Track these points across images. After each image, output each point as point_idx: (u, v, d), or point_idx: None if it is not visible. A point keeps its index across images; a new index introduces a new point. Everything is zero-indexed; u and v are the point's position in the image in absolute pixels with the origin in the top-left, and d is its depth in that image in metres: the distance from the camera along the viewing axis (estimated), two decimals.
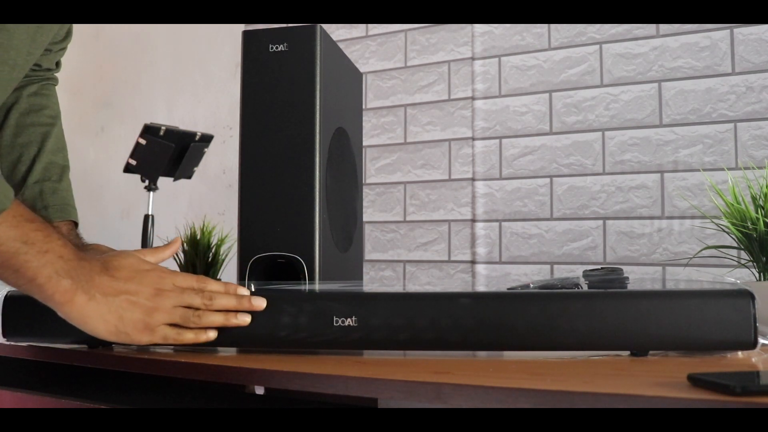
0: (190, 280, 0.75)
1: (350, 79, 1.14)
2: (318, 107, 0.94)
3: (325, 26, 0.97)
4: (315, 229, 0.92)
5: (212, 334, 0.74)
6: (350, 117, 1.13)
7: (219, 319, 0.74)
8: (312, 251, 0.91)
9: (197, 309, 0.74)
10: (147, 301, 0.71)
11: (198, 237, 1.52)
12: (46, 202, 1.02)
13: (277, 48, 0.95)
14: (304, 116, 0.94)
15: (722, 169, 1.46)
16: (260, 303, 0.75)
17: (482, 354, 0.78)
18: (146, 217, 1.66)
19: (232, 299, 0.75)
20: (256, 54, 0.96)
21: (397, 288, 1.83)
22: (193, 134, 1.66)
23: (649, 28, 1.57)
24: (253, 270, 0.92)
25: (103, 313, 0.70)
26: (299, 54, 0.94)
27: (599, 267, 0.92)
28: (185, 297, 0.73)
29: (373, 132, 1.90)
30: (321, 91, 0.94)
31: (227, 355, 0.79)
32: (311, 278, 0.91)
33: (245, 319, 0.75)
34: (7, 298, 0.82)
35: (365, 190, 1.90)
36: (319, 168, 0.93)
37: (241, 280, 0.93)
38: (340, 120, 1.05)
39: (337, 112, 1.03)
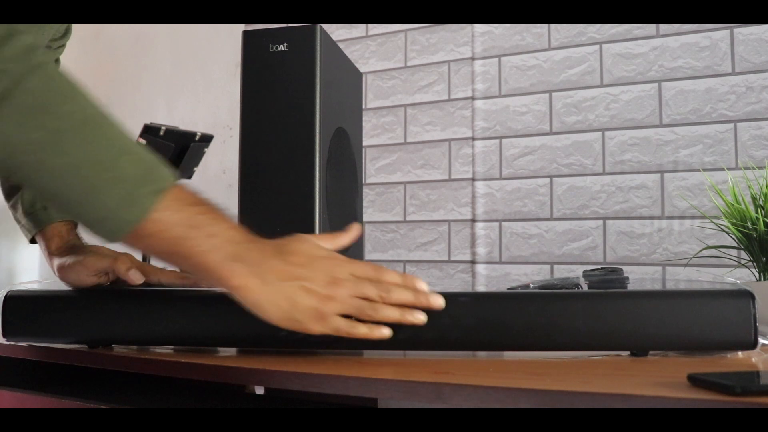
0: (368, 270, 0.71)
1: (350, 79, 1.14)
2: (318, 107, 0.94)
3: (325, 26, 0.97)
4: (315, 229, 0.92)
5: (386, 332, 0.70)
6: (350, 117, 1.13)
7: (395, 314, 0.69)
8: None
9: (373, 301, 0.69)
10: (322, 289, 0.68)
11: None
12: (46, 201, 1.02)
13: (277, 48, 0.95)
14: (304, 116, 0.94)
15: (722, 169, 1.47)
16: (439, 302, 0.70)
17: (482, 354, 0.78)
18: None
19: (410, 294, 0.70)
20: (256, 54, 0.96)
21: None
22: (193, 134, 1.66)
23: (649, 28, 1.57)
24: None
25: (277, 299, 0.67)
26: (299, 54, 0.94)
27: (599, 267, 0.92)
28: (361, 287, 0.69)
29: (373, 132, 1.90)
30: (321, 91, 0.94)
31: (227, 355, 0.79)
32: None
33: (421, 318, 0.70)
34: (7, 298, 0.82)
35: (365, 190, 1.90)
36: (319, 168, 0.93)
37: None
38: (340, 120, 1.05)
39: (337, 112, 1.03)
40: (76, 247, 0.89)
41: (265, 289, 0.66)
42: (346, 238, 0.77)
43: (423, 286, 0.71)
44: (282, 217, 0.93)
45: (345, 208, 1.07)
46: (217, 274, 0.66)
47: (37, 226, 0.94)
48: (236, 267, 0.66)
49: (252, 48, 0.96)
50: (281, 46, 0.95)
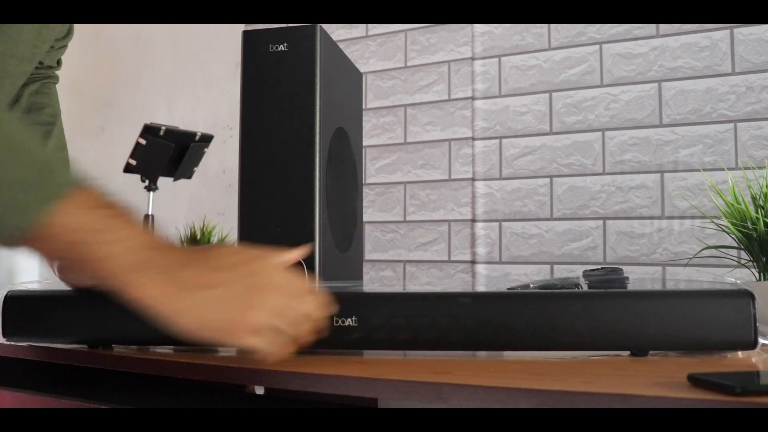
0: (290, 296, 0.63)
1: (350, 79, 1.14)
2: (318, 107, 0.94)
3: (325, 26, 0.97)
4: (315, 229, 0.92)
5: (293, 349, 0.65)
6: (350, 117, 1.13)
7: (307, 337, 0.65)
8: (312, 251, 0.91)
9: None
10: (243, 297, 0.61)
11: (198, 237, 1.52)
12: None
13: (277, 48, 0.95)
14: (304, 116, 0.94)
15: (722, 169, 1.46)
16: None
17: (482, 354, 0.78)
18: (146, 217, 1.66)
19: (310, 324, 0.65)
20: (256, 54, 0.96)
21: (397, 288, 1.83)
22: (193, 134, 1.66)
23: (649, 28, 1.57)
24: None
25: (192, 310, 0.60)
26: (299, 54, 0.94)
27: (599, 267, 0.92)
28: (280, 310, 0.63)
29: (373, 132, 1.90)
30: (321, 91, 0.94)
31: (227, 355, 0.79)
32: (311, 278, 0.91)
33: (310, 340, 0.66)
34: (7, 298, 0.82)
35: (365, 190, 1.90)
36: (319, 168, 0.93)
37: None
38: (340, 120, 1.05)
39: (337, 112, 1.03)
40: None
41: (180, 297, 0.60)
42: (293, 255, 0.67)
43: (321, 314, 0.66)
44: (282, 217, 0.93)
45: (345, 208, 1.07)
46: (122, 283, 0.60)
47: None
48: (145, 275, 0.60)
49: (252, 48, 0.96)
50: (281, 46, 0.95)
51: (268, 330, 0.62)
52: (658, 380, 0.57)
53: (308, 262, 0.91)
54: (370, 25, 1.92)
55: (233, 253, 0.63)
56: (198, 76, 2.24)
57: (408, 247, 1.83)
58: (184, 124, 1.76)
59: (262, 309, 0.61)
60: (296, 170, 0.93)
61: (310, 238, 0.92)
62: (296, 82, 0.94)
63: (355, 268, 1.16)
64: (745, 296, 0.68)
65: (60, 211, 0.58)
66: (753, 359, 0.69)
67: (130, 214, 0.62)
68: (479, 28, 1.77)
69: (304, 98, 0.94)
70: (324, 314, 0.66)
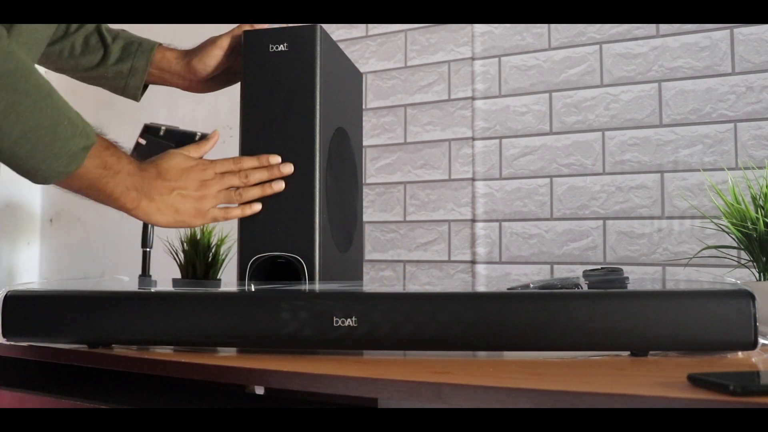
0: (228, 165, 0.91)
1: (350, 79, 1.14)
2: (318, 107, 0.94)
3: (325, 26, 0.97)
4: (315, 229, 0.92)
5: (256, 207, 0.92)
6: (350, 117, 1.13)
7: (257, 192, 0.92)
8: (312, 251, 0.91)
9: (238, 188, 0.91)
10: (195, 192, 0.89)
11: (198, 237, 1.52)
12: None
13: (277, 48, 0.95)
14: (304, 116, 0.94)
15: (722, 169, 1.47)
16: (288, 169, 0.92)
17: (482, 354, 0.78)
18: None
19: (264, 172, 0.91)
20: (256, 54, 0.96)
21: (397, 288, 1.83)
22: (193, 134, 1.66)
23: (649, 28, 1.57)
24: (253, 270, 0.92)
25: (162, 209, 0.88)
26: (299, 54, 0.94)
27: (599, 267, 0.92)
28: (226, 180, 0.91)
29: (373, 132, 1.90)
30: (321, 91, 0.94)
31: (227, 355, 0.79)
32: (311, 278, 0.90)
33: (280, 186, 0.92)
34: (7, 298, 0.82)
35: (365, 190, 1.90)
36: (319, 168, 0.93)
37: (241, 280, 0.92)
38: (340, 120, 1.05)
39: (337, 112, 1.03)
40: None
41: (152, 205, 0.87)
42: (208, 144, 0.98)
43: (275, 159, 0.92)
44: (282, 217, 0.93)
45: (345, 208, 1.07)
46: (120, 202, 0.86)
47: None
48: (131, 194, 0.86)
49: (252, 48, 0.96)
50: (281, 46, 0.95)
51: (218, 209, 0.92)
52: (658, 380, 0.57)
53: (308, 263, 0.91)
54: (370, 25, 1.92)
55: (181, 161, 0.90)
56: None
57: (408, 247, 1.83)
58: (184, 124, 1.76)
59: (210, 195, 0.90)
60: (296, 170, 0.93)
61: (310, 238, 0.91)
62: (296, 81, 0.94)
63: (355, 268, 1.16)
64: (745, 296, 0.68)
65: (91, 155, 0.81)
66: (753, 359, 0.69)
67: (122, 149, 0.87)
68: (479, 28, 1.77)
69: (304, 98, 0.94)
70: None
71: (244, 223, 0.94)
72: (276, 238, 0.92)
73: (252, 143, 0.95)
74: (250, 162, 0.92)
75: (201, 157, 0.95)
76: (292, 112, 0.94)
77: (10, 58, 0.74)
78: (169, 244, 1.55)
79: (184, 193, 0.89)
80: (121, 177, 0.85)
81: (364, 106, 1.91)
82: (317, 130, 0.93)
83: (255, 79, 0.95)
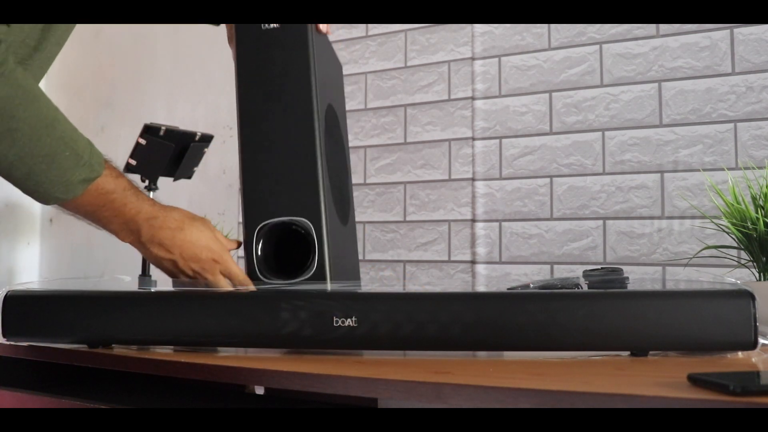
0: (231, 281, 0.90)
1: (334, 65, 1.16)
2: (313, 77, 0.94)
3: (328, 39, 0.99)
4: (320, 192, 0.90)
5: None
6: (337, 99, 1.13)
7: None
8: (318, 214, 0.89)
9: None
10: (190, 272, 0.89)
11: None
12: None
13: (269, 26, 0.97)
14: (301, 84, 0.93)
15: (722, 169, 1.47)
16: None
17: (482, 354, 0.78)
18: None
19: None
20: (249, 34, 0.97)
21: (397, 288, 1.83)
22: (193, 134, 1.66)
23: (649, 28, 1.57)
24: (259, 238, 0.91)
25: (152, 259, 0.89)
26: (292, 31, 0.96)
27: (599, 267, 0.92)
28: (219, 283, 0.89)
29: (373, 132, 1.90)
30: (314, 62, 0.95)
31: (227, 355, 0.79)
32: (320, 241, 0.89)
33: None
34: (7, 298, 0.82)
35: (365, 190, 1.90)
36: (318, 130, 0.93)
37: (248, 248, 0.92)
38: (330, 97, 1.06)
39: (327, 88, 1.04)
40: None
41: (145, 250, 0.89)
42: (237, 245, 0.96)
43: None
44: (286, 181, 0.91)
45: (340, 184, 1.06)
46: (121, 236, 0.88)
47: None
48: (128, 236, 0.88)
49: (245, 28, 0.97)
50: (273, 24, 0.97)
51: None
52: (658, 380, 0.57)
53: (316, 226, 0.89)
54: (370, 25, 1.92)
55: (199, 251, 0.89)
56: (198, 76, 2.24)
57: (408, 247, 1.83)
58: (184, 124, 1.76)
59: (198, 278, 0.90)
60: (296, 134, 0.92)
61: (315, 201, 0.90)
62: (290, 55, 0.95)
63: (354, 243, 1.15)
64: (745, 296, 0.68)
65: (96, 182, 0.82)
66: (753, 359, 0.69)
67: (130, 190, 0.87)
68: (479, 28, 1.77)
69: (299, 68, 0.94)
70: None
71: (248, 190, 0.93)
72: (281, 203, 0.91)
73: (250, 113, 0.94)
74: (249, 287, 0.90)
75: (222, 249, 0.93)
76: (289, 81, 0.94)
77: (9, 84, 0.75)
78: None
79: (179, 268, 0.89)
80: (118, 222, 0.87)
81: (364, 106, 1.91)
82: (314, 98, 0.93)
83: (249, 54, 0.96)
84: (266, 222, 0.91)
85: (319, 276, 0.88)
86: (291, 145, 0.93)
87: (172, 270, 0.89)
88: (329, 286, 0.87)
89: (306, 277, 0.88)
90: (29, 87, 0.78)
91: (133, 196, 0.86)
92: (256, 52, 0.96)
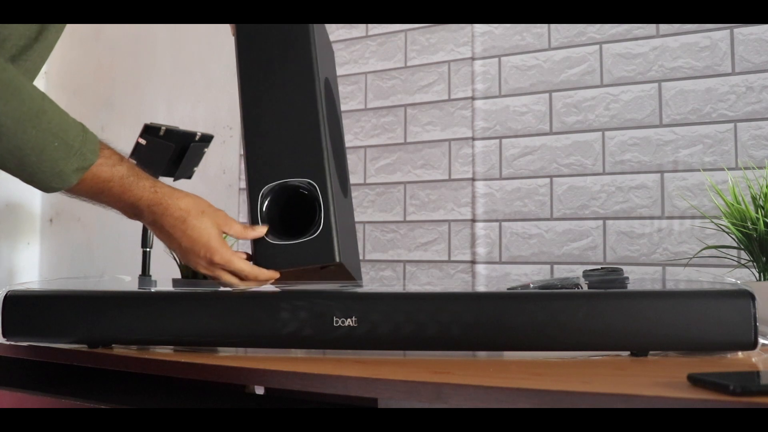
0: (235, 274, 0.86)
1: (329, 48, 1.16)
2: (314, 46, 0.93)
3: (325, 26, 0.98)
4: (323, 154, 0.88)
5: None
6: (332, 78, 1.13)
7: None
8: (323, 175, 0.87)
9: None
10: (202, 269, 0.86)
11: None
12: None
13: None
14: (302, 51, 0.93)
15: (722, 169, 1.47)
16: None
17: (482, 354, 0.78)
18: None
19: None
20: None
21: (397, 288, 1.83)
22: (193, 134, 1.66)
23: (649, 28, 1.57)
24: (263, 202, 0.90)
25: (166, 242, 0.89)
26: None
27: (599, 267, 0.92)
28: (222, 278, 0.87)
29: (373, 132, 1.90)
30: (314, 36, 0.95)
31: (227, 355, 0.79)
32: (325, 202, 0.86)
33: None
34: (7, 298, 0.82)
35: (365, 190, 1.90)
36: (319, 94, 0.92)
37: (253, 212, 0.90)
38: (326, 71, 1.05)
39: (324, 62, 1.03)
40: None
41: (161, 236, 0.89)
42: (249, 233, 0.92)
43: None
44: (290, 142, 0.90)
45: (338, 155, 1.06)
46: (129, 213, 0.88)
47: None
48: (134, 218, 0.88)
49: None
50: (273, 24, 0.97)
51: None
52: (658, 380, 0.57)
53: (321, 189, 0.87)
54: (370, 25, 1.92)
55: (206, 242, 0.87)
56: (198, 76, 2.24)
57: (408, 247, 1.83)
58: (184, 124, 1.76)
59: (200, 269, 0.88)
60: (298, 98, 0.91)
61: (320, 163, 0.88)
62: (290, 28, 0.95)
63: (353, 219, 1.14)
64: (745, 296, 0.68)
65: (91, 170, 0.82)
66: (753, 359, 0.69)
67: (128, 178, 0.86)
68: (479, 28, 1.77)
69: (300, 36, 0.94)
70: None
71: (250, 153, 0.92)
72: (284, 165, 0.90)
73: (251, 80, 0.94)
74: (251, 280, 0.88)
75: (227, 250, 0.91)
76: (290, 49, 0.93)
77: None
78: None
79: (184, 258, 0.89)
80: (120, 206, 0.87)
81: (364, 106, 1.91)
82: (314, 57, 0.93)
83: (251, 29, 0.97)
84: (271, 185, 0.89)
85: (325, 236, 0.84)
86: (294, 106, 0.91)
87: (181, 258, 0.90)
88: (336, 246, 0.84)
89: (313, 236, 0.84)
90: (8, 80, 0.77)
91: (133, 184, 0.86)
92: (256, 27, 0.96)
